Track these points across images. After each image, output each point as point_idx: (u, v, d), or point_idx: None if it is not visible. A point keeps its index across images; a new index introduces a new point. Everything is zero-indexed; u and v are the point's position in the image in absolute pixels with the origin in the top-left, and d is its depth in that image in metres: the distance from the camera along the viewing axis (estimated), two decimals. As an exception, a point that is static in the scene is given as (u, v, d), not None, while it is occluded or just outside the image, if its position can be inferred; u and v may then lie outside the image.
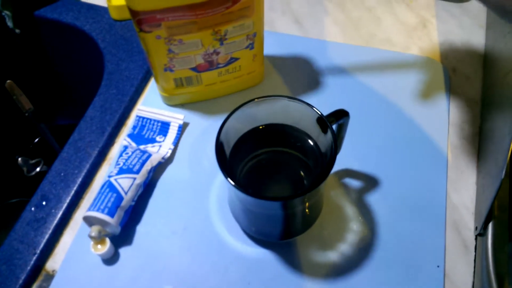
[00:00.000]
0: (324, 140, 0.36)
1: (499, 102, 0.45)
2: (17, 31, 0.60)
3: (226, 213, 0.42)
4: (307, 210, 0.38)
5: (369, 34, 0.57)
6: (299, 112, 0.36)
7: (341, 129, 0.38)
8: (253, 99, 0.36)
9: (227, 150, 0.37)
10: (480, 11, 0.59)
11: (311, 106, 0.35)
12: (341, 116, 0.36)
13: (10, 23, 0.58)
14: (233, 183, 0.32)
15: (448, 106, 0.50)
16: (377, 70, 0.53)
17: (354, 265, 0.40)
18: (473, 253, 0.41)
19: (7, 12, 0.57)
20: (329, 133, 0.34)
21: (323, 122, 0.35)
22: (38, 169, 0.60)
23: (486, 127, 0.47)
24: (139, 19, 0.38)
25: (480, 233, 0.40)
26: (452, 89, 0.51)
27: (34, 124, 0.63)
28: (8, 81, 0.56)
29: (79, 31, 0.56)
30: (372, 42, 0.56)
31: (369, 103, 0.50)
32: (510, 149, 0.36)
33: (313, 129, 0.37)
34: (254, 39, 0.44)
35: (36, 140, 0.65)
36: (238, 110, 0.36)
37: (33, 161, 0.60)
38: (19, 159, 0.59)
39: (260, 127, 0.39)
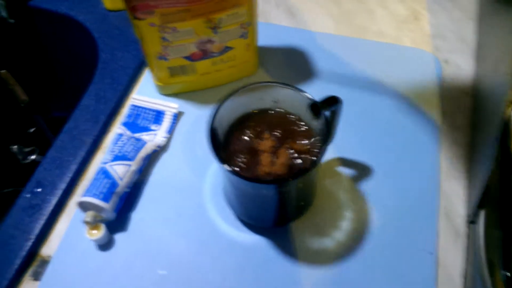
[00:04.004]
0: (316, 127, 0.37)
1: (489, 93, 0.45)
2: (11, 21, 0.59)
3: (220, 200, 0.43)
4: (300, 195, 0.39)
5: (361, 26, 0.57)
6: (291, 99, 0.37)
7: (334, 117, 0.39)
8: (246, 85, 0.36)
9: (221, 136, 0.38)
10: (470, 4, 0.60)
11: (304, 92, 0.35)
12: (333, 102, 0.36)
13: (4, 13, 0.58)
14: (228, 168, 0.32)
15: (440, 96, 0.50)
16: (369, 61, 0.53)
17: (347, 251, 0.40)
18: (465, 240, 0.41)
19: (1, 2, 0.57)
20: (321, 119, 0.35)
21: (316, 108, 0.35)
22: (33, 157, 0.60)
23: (477, 117, 0.47)
24: (132, 6, 0.39)
25: (472, 221, 0.41)
26: (444, 80, 0.52)
27: (30, 115, 0.63)
28: (3, 70, 0.56)
29: (73, 21, 0.56)
30: (364, 34, 0.56)
31: (362, 94, 0.50)
32: (500, 138, 0.37)
33: (305, 115, 0.38)
34: (248, 28, 0.45)
35: (32, 130, 0.65)
36: (231, 96, 0.36)
37: (28, 149, 0.61)
38: (14, 147, 0.59)
39: (253, 111, 0.39)
